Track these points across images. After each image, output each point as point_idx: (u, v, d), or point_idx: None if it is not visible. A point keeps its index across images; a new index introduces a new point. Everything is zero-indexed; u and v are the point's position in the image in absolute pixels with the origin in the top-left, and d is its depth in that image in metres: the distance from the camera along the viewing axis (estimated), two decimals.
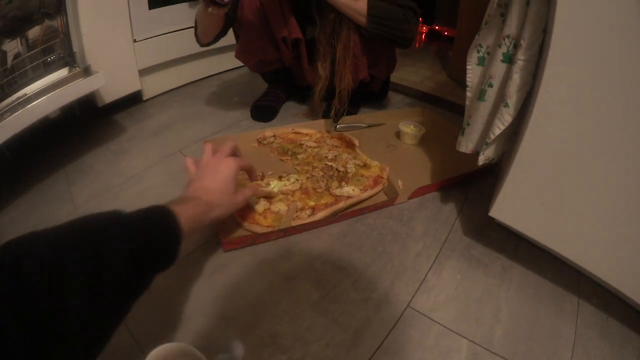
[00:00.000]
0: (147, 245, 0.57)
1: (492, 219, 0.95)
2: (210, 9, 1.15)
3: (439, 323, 0.80)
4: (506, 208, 0.90)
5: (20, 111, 1.14)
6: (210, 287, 0.86)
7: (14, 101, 1.18)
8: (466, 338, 0.77)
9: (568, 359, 0.74)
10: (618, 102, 0.67)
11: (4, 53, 1.24)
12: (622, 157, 0.69)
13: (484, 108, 0.94)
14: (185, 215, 0.67)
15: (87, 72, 1.34)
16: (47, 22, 1.33)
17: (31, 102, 1.18)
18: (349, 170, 1.18)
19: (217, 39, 1.42)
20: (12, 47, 1.24)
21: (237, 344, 0.59)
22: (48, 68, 1.33)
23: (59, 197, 1.18)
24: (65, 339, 0.42)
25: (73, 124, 1.53)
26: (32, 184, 1.23)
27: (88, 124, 1.55)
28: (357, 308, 0.82)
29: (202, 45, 1.43)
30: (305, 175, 1.16)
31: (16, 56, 1.26)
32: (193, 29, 1.39)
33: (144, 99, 1.79)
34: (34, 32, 1.30)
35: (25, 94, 1.20)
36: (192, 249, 0.95)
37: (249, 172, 1.02)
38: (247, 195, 0.93)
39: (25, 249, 0.45)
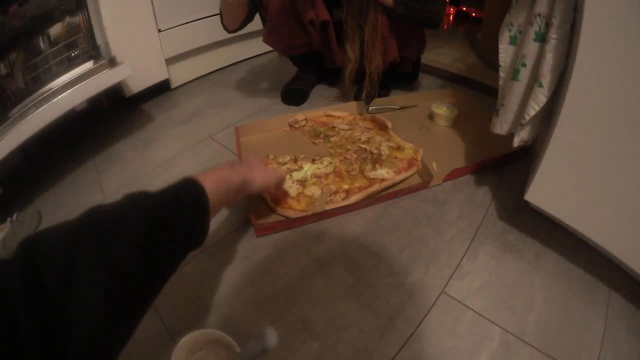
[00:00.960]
0: (167, 216, 0.54)
1: (527, 203, 0.94)
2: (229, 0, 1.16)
3: (473, 310, 0.80)
4: (541, 192, 0.89)
5: (45, 105, 1.18)
6: (242, 272, 0.88)
7: (38, 96, 1.22)
8: (499, 326, 0.77)
9: (597, 352, 0.74)
10: None
11: (27, 51, 1.27)
12: None
13: (518, 88, 0.92)
14: (209, 179, 0.65)
15: (112, 63, 1.37)
16: (68, 19, 1.36)
17: (57, 96, 1.21)
18: (383, 153, 1.17)
19: (243, 25, 1.42)
20: (35, 44, 1.27)
21: (270, 332, 0.59)
22: (72, 63, 1.35)
23: (89, 187, 1.22)
24: (82, 339, 0.41)
25: (101, 115, 1.56)
26: (62, 176, 1.27)
27: (116, 114, 1.59)
28: (391, 293, 0.83)
29: (229, 32, 1.43)
30: (339, 158, 1.17)
31: (38, 53, 1.29)
32: (218, 15, 1.39)
33: (172, 87, 1.81)
34: (55, 29, 1.33)
35: (51, 89, 1.24)
36: (223, 235, 0.97)
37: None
38: (281, 174, 0.94)
39: (39, 247, 0.44)
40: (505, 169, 1.18)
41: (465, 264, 0.89)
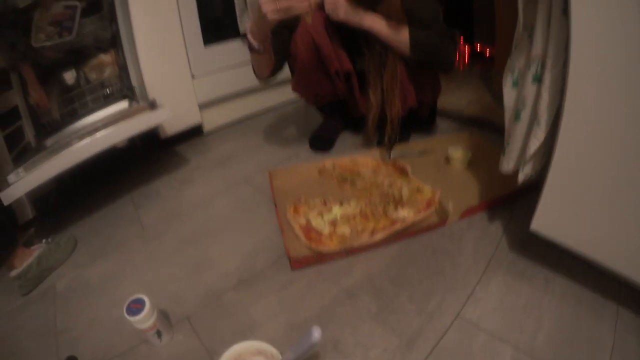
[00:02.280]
0: None
1: (536, 236, 1.04)
2: (251, 53, 1.33)
3: (486, 331, 0.90)
4: (545, 221, 0.99)
5: (88, 139, 1.32)
6: (278, 300, 1.01)
7: (80, 128, 1.37)
8: (510, 344, 0.86)
9: None
10: (631, 109, 0.75)
11: (64, 84, 1.43)
12: None
13: (520, 128, 1.02)
14: None
15: (153, 105, 1.51)
16: (102, 57, 1.52)
17: (99, 132, 1.35)
18: (404, 195, 1.30)
19: (273, 73, 1.54)
20: (70, 78, 1.44)
21: (315, 328, 0.68)
22: (107, 100, 1.51)
23: (127, 219, 1.37)
24: None
25: (136, 154, 1.72)
26: (99, 207, 1.43)
27: (151, 154, 1.74)
28: (412, 318, 0.94)
29: (260, 80, 1.56)
30: (364, 200, 1.30)
31: (74, 87, 1.44)
32: (248, 64, 1.51)
33: (204, 131, 1.97)
34: (91, 67, 1.49)
35: (89, 123, 1.39)
36: (261, 268, 1.12)
37: None
38: None
39: None
40: (515, 204, 1.28)
41: (479, 291, 0.99)
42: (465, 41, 2.77)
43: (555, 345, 0.86)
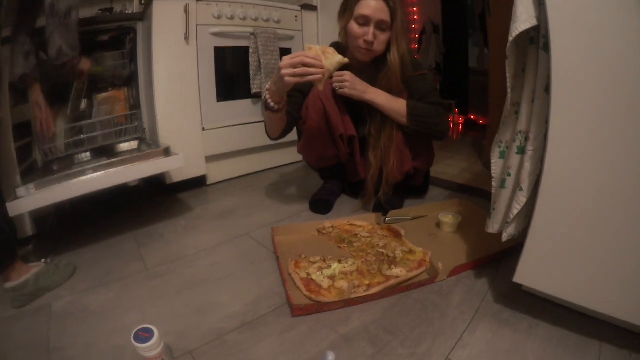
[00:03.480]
0: None
1: (520, 289, 1.14)
2: (267, 112, 1.47)
3: None
4: (527, 273, 1.09)
5: (102, 172, 1.39)
6: (280, 343, 1.08)
7: (90, 159, 1.44)
8: None
9: None
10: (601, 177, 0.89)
11: (73, 114, 1.49)
12: (611, 223, 0.90)
13: (505, 194, 1.14)
14: None
15: (167, 152, 1.61)
16: (114, 92, 1.61)
17: (113, 167, 1.43)
18: (397, 256, 1.40)
19: (284, 134, 1.69)
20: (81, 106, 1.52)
21: (329, 354, 0.74)
22: (117, 137, 1.58)
23: (128, 255, 1.43)
24: None
25: (139, 194, 1.80)
26: (100, 238, 1.49)
27: (154, 198, 1.82)
28: None
29: (272, 139, 1.70)
30: (361, 259, 1.40)
31: (82, 118, 1.50)
32: (255, 124, 1.66)
33: (208, 183, 2.07)
34: (103, 99, 1.56)
35: (109, 160, 1.46)
36: (264, 313, 1.19)
37: None
38: None
39: None
40: (501, 263, 1.38)
41: (466, 337, 1.07)
42: (461, 112, 2.96)
43: None
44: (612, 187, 0.89)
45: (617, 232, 0.90)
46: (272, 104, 1.43)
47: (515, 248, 1.35)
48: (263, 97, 1.47)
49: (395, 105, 1.58)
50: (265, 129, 1.67)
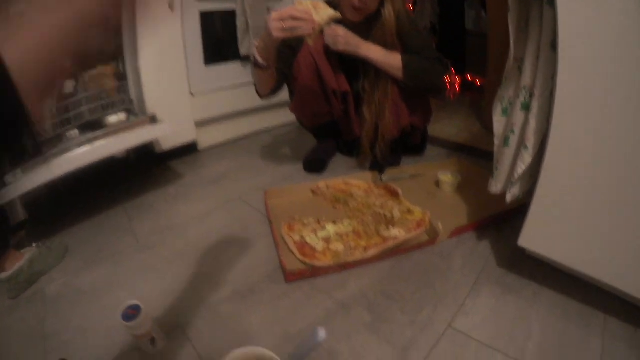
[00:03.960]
0: None
1: (523, 252, 1.09)
2: (255, 69, 1.39)
3: (477, 340, 0.92)
4: (532, 236, 1.03)
5: (87, 147, 1.33)
6: (273, 311, 1.02)
7: (77, 137, 1.36)
8: (501, 352, 0.88)
9: None
10: (619, 132, 0.81)
11: (60, 92, 1.41)
12: (630, 179, 0.83)
13: (509, 153, 1.08)
14: None
15: (153, 120, 1.55)
16: (102, 68, 1.53)
17: (99, 141, 1.36)
18: (395, 216, 1.33)
19: (273, 92, 1.60)
20: (68, 86, 1.43)
21: (320, 329, 0.67)
22: (105, 112, 1.51)
23: (120, 229, 1.39)
24: None
25: (129, 166, 1.73)
26: (91, 216, 1.44)
27: (144, 168, 1.76)
28: (404, 328, 0.96)
29: (261, 97, 1.61)
30: (357, 220, 1.33)
31: (70, 95, 1.43)
32: (245, 85, 1.58)
33: (199, 149, 2.01)
34: (91, 77, 1.49)
35: (94, 133, 1.39)
36: (256, 280, 1.13)
37: None
38: None
39: None
40: (503, 225, 1.32)
41: (469, 303, 1.02)
42: (457, 72, 2.88)
43: (545, 353, 0.88)
44: (627, 149, 0.81)
45: (629, 200, 0.84)
46: (260, 61, 1.36)
47: (518, 210, 1.28)
48: (252, 54, 1.38)
49: (390, 59, 1.50)
50: (255, 87, 1.60)
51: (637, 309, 0.95)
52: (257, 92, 1.60)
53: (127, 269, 1.22)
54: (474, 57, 2.84)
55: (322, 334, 0.67)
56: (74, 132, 1.40)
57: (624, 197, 0.84)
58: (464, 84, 2.93)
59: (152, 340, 0.91)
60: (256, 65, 1.37)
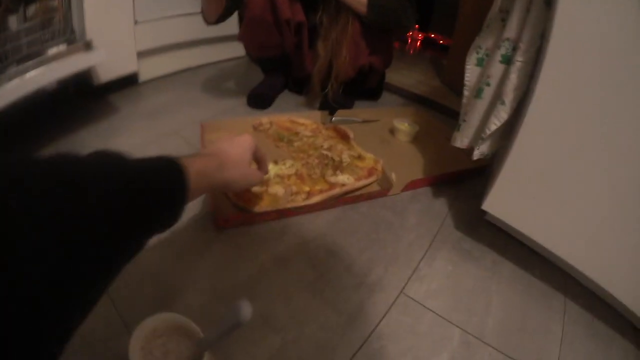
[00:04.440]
0: (146, 193, 0.49)
1: (483, 217, 1.00)
2: None
3: (432, 311, 0.81)
4: (498, 201, 0.94)
5: (15, 80, 1.13)
6: (202, 264, 0.85)
7: (5, 70, 1.15)
8: (459, 327, 0.78)
9: (556, 354, 0.76)
10: (610, 105, 0.72)
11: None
12: (611, 158, 0.74)
13: (481, 105, 0.97)
14: (194, 167, 0.59)
15: (88, 47, 1.34)
16: (48, 1, 1.31)
17: (27, 72, 1.16)
18: (344, 160, 1.18)
19: (221, 18, 1.41)
20: (12, 22, 1.21)
21: (244, 303, 0.52)
22: (45, 45, 1.31)
23: None
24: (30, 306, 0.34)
25: (65, 101, 1.50)
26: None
27: (81, 102, 1.53)
28: (351, 291, 0.82)
29: (208, 24, 1.43)
30: (301, 162, 1.16)
31: (7, 29, 1.23)
32: (193, 15, 1.39)
33: (140, 81, 1.77)
34: (37, 11, 1.27)
35: (25, 65, 1.18)
36: (182, 224, 0.93)
37: (260, 162, 0.91)
38: (263, 175, 0.89)
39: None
40: (461, 185, 1.22)
41: (423, 267, 0.90)
42: (420, 29, 2.77)
43: (505, 331, 0.79)
44: (616, 122, 0.73)
45: (605, 177, 0.76)
46: None
47: (477, 170, 1.20)
48: None
49: None
50: (202, 13, 1.40)
51: (595, 298, 0.90)
52: (204, 18, 1.40)
53: None
54: (439, 15, 2.72)
55: (246, 311, 0.51)
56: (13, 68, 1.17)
57: (601, 173, 0.77)
58: (426, 41, 2.81)
59: None
60: None
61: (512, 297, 0.87)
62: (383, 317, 0.78)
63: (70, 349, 0.40)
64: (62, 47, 1.31)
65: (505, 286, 0.89)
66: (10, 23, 1.22)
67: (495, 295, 0.86)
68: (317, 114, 1.48)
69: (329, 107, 1.51)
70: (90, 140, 1.29)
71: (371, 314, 0.78)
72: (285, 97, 1.71)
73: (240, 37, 1.50)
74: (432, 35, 2.76)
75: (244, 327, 0.51)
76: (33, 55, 1.24)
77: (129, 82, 1.72)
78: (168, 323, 0.61)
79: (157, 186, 0.52)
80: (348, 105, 1.61)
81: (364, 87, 1.66)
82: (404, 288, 0.84)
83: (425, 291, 0.84)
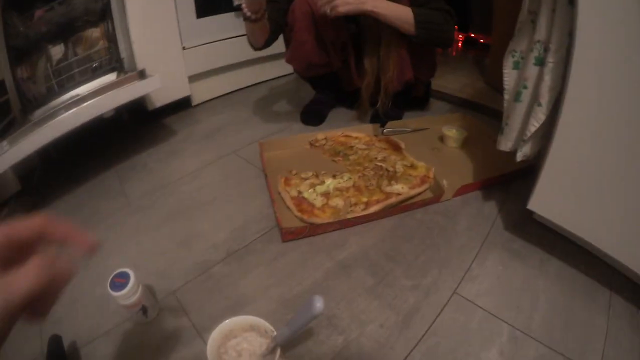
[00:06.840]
0: None
1: (531, 216, 1.04)
2: (244, 21, 1.31)
3: (483, 308, 0.88)
4: (542, 200, 0.98)
5: (74, 109, 1.24)
6: (269, 274, 0.97)
7: (67, 100, 1.28)
8: (507, 323, 0.85)
9: (601, 348, 0.80)
10: (633, 94, 0.74)
11: (50, 56, 1.34)
12: None
13: (520, 108, 1.01)
14: None
15: (142, 75, 1.45)
16: (92, 30, 1.44)
17: (86, 101, 1.27)
18: (398, 170, 1.27)
19: (267, 43, 1.50)
20: (57, 51, 1.35)
21: (317, 298, 0.59)
22: (95, 73, 1.42)
23: (111, 193, 1.31)
24: None
25: (122, 126, 1.64)
26: (83, 181, 1.36)
27: (138, 127, 1.67)
28: (408, 293, 0.91)
29: (255, 49, 1.52)
30: (357, 174, 1.27)
31: (61, 60, 1.35)
32: (239, 37, 1.48)
33: (193, 104, 1.91)
34: (80, 38, 1.40)
35: (78, 94, 1.30)
36: (250, 240, 1.07)
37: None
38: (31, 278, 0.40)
39: None
40: (510, 186, 1.26)
41: (475, 268, 0.98)
42: (460, 29, 2.77)
43: (551, 327, 0.84)
44: None
45: None
46: (248, 13, 1.26)
47: (525, 171, 1.24)
48: (240, 8, 1.29)
49: (399, 12, 1.36)
50: (248, 40, 1.49)
51: (638, 287, 0.92)
52: (250, 44, 1.50)
53: (119, 233, 1.14)
54: (477, 14, 2.72)
55: (319, 305, 0.59)
56: (67, 95, 1.33)
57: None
58: (467, 41, 2.81)
59: (144, 310, 0.84)
60: (245, 18, 1.28)
61: (558, 293, 0.92)
62: (437, 315, 0.86)
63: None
64: (112, 76, 1.44)
65: (552, 283, 0.94)
66: (59, 54, 1.35)
67: (542, 292, 0.92)
68: (369, 127, 1.56)
69: (379, 120, 1.58)
70: (152, 163, 1.44)
71: (427, 313, 0.87)
72: (337, 113, 1.80)
73: (289, 59, 1.60)
74: (472, 35, 2.75)
75: (309, 327, 0.59)
76: (84, 81, 1.38)
77: (182, 105, 1.86)
78: (243, 324, 0.71)
79: None
80: (397, 116, 1.67)
81: (411, 97, 1.72)
82: (456, 288, 0.92)
83: (476, 290, 0.92)
